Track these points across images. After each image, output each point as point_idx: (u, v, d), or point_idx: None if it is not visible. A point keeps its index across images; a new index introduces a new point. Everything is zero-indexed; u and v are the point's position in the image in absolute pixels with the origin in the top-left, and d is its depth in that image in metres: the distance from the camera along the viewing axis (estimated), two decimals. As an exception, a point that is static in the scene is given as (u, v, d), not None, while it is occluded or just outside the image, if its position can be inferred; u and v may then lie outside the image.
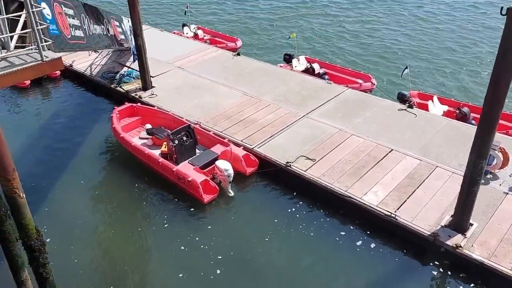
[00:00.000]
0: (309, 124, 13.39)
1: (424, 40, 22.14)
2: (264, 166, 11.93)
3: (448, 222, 9.41)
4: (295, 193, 11.32)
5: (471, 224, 9.27)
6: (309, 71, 17.29)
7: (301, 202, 11.04)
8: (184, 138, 11.93)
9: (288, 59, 18.14)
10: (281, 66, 17.72)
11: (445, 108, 14.53)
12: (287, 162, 11.61)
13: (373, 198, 10.36)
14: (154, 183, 11.87)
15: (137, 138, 13.12)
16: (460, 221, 9.09)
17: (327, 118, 13.67)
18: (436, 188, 10.56)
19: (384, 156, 11.80)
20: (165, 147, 12.14)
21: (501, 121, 13.76)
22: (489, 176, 10.74)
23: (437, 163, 11.44)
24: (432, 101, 14.67)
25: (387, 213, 9.87)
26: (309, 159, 11.75)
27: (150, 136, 12.91)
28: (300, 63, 17.83)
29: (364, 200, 10.30)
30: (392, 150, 12.03)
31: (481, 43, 21.58)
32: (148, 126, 13.27)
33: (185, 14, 22.16)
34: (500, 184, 10.57)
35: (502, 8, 7.07)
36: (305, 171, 11.35)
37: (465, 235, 9.12)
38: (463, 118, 13.58)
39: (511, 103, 14.48)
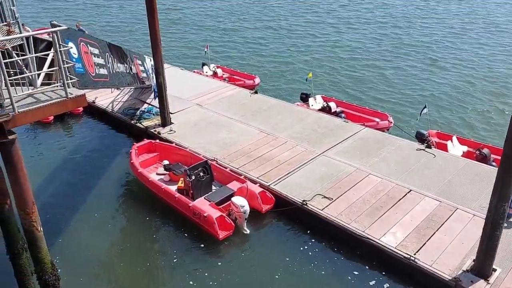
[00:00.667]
0: (326, 162, 13.34)
1: (443, 80, 22.17)
2: (280, 204, 11.84)
3: (470, 267, 9.07)
4: (310, 232, 11.14)
5: (494, 270, 8.90)
6: (325, 109, 17.39)
7: (316, 241, 10.85)
8: (201, 174, 12.01)
9: (304, 98, 18.33)
10: (298, 105, 17.90)
11: (465, 148, 14.33)
12: (304, 201, 11.51)
13: (391, 239, 10.11)
14: (170, 218, 11.89)
15: (155, 174, 13.26)
16: (482, 266, 8.75)
17: (344, 156, 13.61)
18: (456, 231, 10.26)
19: (403, 197, 11.60)
20: (181, 183, 12.22)
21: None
22: (512, 219, 10.42)
23: (457, 205, 11.17)
24: (451, 141, 14.51)
25: (406, 255, 9.59)
26: (326, 197, 11.63)
27: (168, 172, 13.04)
28: (316, 101, 17.99)
29: (382, 242, 10.05)
30: (410, 190, 11.83)
31: (503, 84, 21.47)
32: (166, 162, 13.43)
33: (204, 54, 22.86)
34: (524, 228, 10.23)
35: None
36: (321, 210, 11.20)
37: (488, 281, 8.75)
38: (484, 159, 13.34)
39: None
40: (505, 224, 9.30)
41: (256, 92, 18.63)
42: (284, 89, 21.62)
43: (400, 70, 23.78)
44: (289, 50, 27.54)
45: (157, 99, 16.00)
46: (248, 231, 11.24)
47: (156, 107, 16.58)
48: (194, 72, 21.63)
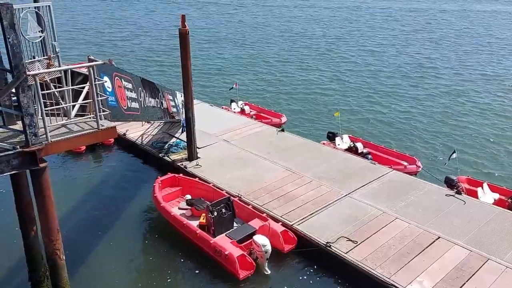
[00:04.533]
0: (351, 204, 13.08)
1: (473, 125, 21.73)
2: (302, 245, 11.58)
3: (503, 323, 8.51)
4: (333, 276, 10.80)
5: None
6: (352, 150, 17.25)
7: (339, 286, 10.48)
8: (223, 211, 11.96)
9: (331, 137, 18.28)
10: (324, 144, 17.84)
11: (496, 196, 13.81)
12: (327, 242, 11.23)
13: (418, 288, 9.67)
14: (191, 254, 11.78)
15: (177, 208, 13.30)
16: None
17: (370, 199, 13.33)
18: (488, 283, 9.72)
19: (431, 244, 11.15)
20: (203, 219, 12.18)
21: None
22: (549, 274, 9.82)
23: (489, 255, 10.64)
24: (482, 188, 14.03)
25: (433, 306, 9.12)
26: (351, 240, 11.32)
27: (190, 207, 13.05)
28: (343, 141, 17.89)
29: (408, 290, 9.62)
30: (439, 237, 11.38)
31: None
32: (188, 196, 13.49)
33: (230, 89, 23.45)
34: (562, 284, 9.60)
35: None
36: (346, 253, 10.89)
37: None
38: (517, 208, 12.80)
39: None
40: (542, 279, 8.80)
41: (282, 130, 18.73)
42: (311, 128, 21.65)
43: (429, 113, 23.49)
44: (318, 88, 27.79)
45: (185, 133, 16.29)
46: (269, 272, 10.98)
47: (183, 141, 16.87)
48: (222, 108, 22.03)
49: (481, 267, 10.25)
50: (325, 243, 11.23)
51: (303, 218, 12.38)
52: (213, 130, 18.62)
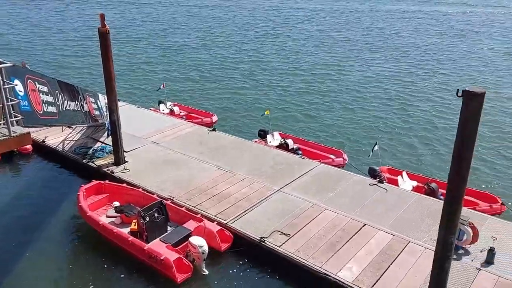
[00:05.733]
0: (283, 198, 13.40)
1: (393, 118, 23.21)
2: (238, 242, 11.67)
3: (424, 300, 9.21)
4: (269, 269, 11.02)
5: (447, 302, 9.07)
6: (283, 146, 17.66)
7: (275, 279, 10.74)
8: (156, 215, 11.69)
9: (262, 134, 18.56)
10: (255, 142, 18.07)
11: (414, 183, 14.89)
12: (262, 238, 11.42)
13: (347, 274, 10.16)
14: (124, 263, 11.37)
15: (105, 217, 12.80)
16: (435, 298, 8.90)
17: (301, 192, 13.74)
18: (409, 264, 10.47)
19: (358, 231, 11.77)
20: (135, 225, 11.83)
21: (468, 198, 13.83)
22: (460, 251, 10.76)
23: (410, 238, 11.47)
24: (402, 176, 15.05)
25: (362, 291, 9.64)
26: (284, 234, 11.61)
27: (119, 214, 12.62)
28: (274, 138, 18.25)
29: (339, 277, 10.08)
30: (365, 224, 12.04)
31: (447, 121, 22.75)
32: (116, 203, 13.04)
33: (157, 90, 23.00)
34: (472, 260, 10.58)
35: (458, 90, 7.56)
36: (279, 246, 11.15)
37: (441, 313, 8.87)
38: (432, 193, 13.87)
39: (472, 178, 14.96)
40: (454, 256, 9.63)
41: (214, 130, 18.68)
42: (242, 126, 21.81)
43: (353, 108, 24.72)
44: (247, 87, 28.06)
45: (110, 137, 15.66)
46: (207, 272, 10.94)
47: (109, 145, 16.19)
48: (150, 110, 21.48)
49: (403, 250, 11.02)
50: (259, 239, 11.40)
51: (238, 216, 12.46)
52: (141, 132, 18.08)
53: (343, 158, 16.93)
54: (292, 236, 11.53)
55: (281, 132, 18.96)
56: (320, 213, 12.57)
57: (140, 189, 13.61)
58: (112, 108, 14.92)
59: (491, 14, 56.08)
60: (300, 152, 17.21)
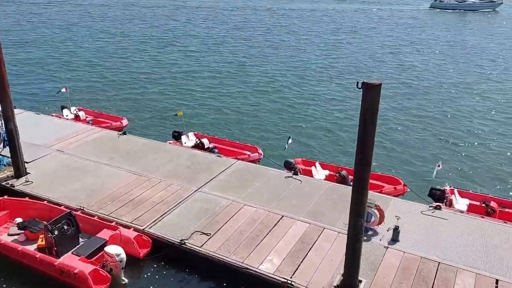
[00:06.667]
0: (202, 198, 13.30)
1: (304, 112, 24.22)
2: (158, 247, 11.35)
3: (339, 281, 9.76)
4: (192, 271, 10.90)
5: (360, 281, 9.72)
6: (199, 146, 17.52)
7: (198, 280, 10.66)
8: (65, 227, 10.94)
9: (177, 136, 18.22)
10: (170, 143, 17.69)
11: (327, 172, 15.69)
12: (182, 240, 11.23)
13: (269, 266, 10.40)
14: (32, 283, 10.56)
15: (6, 235, 11.74)
16: (349, 279, 9.49)
17: (219, 190, 13.75)
18: (326, 250, 11.02)
19: (276, 223, 12.10)
20: (42, 241, 11.00)
21: (374, 181, 14.92)
22: (370, 232, 11.58)
23: (324, 225, 12.06)
24: (315, 166, 15.77)
25: (283, 280, 9.93)
26: (204, 234, 11.54)
27: (22, 231, 11.64)
28: (189, 139, 18.03)
29: (261, 270, 10.28)
30: (283, 216, 12.41)
31: (350, 111, 24.31)
32: (19, 220, 12.02)
33: (57, 93, 21.55)
34: (380, 239, 11.43)
35: (357, 82, 8.10)
36: (200, 247, 11.07)
37: (356, 292, 9.48)
38: (343, 180, 14.72)
39: (377, 164, 16.21)
40: (365, 238, 10.33)
41: (124, 133, 17.91)
42: (155, 129, 21.27)
43: (264, 103, 25.35)
44: (156, 90, 27.37)
45: (7, 147, 14.30)
46: (126, 280, 10.61)
47: (7, 156, 14.77)
48: (52, 116, 19.98)
49: (319, 236, 11.56)
50: (179, 241, 11.21)
51: (155, 220, 12.13)
52: (43, 140, 16.75)
53: (258, 153, 17.27)
54: (213, 235, 11.51)
55: (196, 132, 18.79)
56: (239, 210, 12.70)
57: (45, 202, 12.65)
58: (8, 116, 13.63)
59: (380, 11, 61.46)
60: (216, 150, 17.22)
